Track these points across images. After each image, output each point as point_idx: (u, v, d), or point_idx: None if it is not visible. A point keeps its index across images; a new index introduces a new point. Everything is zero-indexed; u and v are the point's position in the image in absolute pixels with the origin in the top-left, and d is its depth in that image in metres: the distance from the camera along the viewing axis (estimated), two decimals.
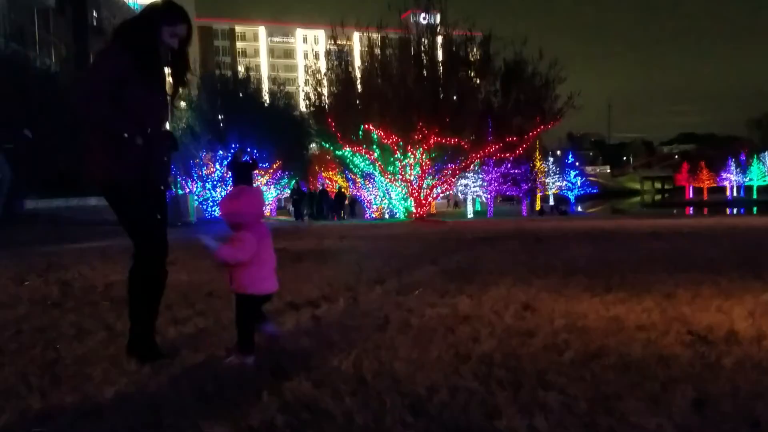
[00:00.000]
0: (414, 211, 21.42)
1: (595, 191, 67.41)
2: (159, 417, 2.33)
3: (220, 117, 26.77)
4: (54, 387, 2.69)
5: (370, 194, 27.52)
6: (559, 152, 64.15)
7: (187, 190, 26.44)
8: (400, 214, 22.99)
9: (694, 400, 2.42)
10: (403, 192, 21.84)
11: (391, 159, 21.07)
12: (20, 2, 28.20)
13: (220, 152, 25.22)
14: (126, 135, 2.92)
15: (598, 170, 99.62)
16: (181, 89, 3.38)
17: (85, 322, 3.96)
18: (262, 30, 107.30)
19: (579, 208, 52.37)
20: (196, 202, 23.40)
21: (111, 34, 3.15)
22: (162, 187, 3.20)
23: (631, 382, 2.64)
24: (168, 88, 3.26)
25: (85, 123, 3.02)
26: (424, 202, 21.64)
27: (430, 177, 21.54)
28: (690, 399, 2.43)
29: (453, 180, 23.40)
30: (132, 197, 3.05)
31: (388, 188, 22.87)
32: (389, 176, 21.65)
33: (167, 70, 3.22)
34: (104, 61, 3.04)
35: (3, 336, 3.62)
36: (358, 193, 29.64)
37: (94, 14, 37.40)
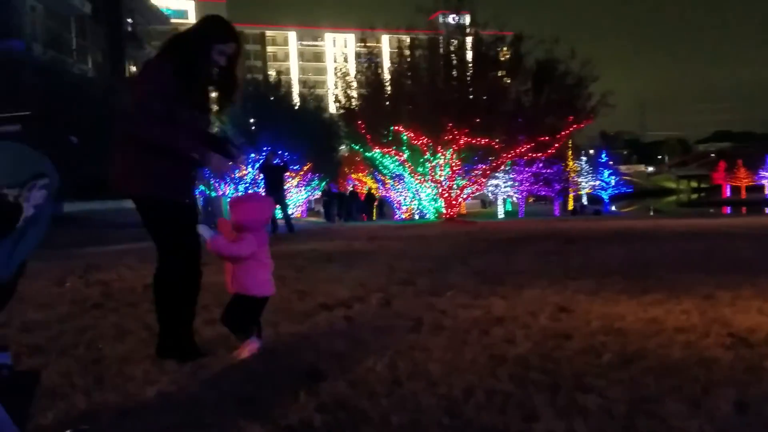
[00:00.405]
0: (444, 211, 21.36)
1: (629, 190, 66.33)
2: (200, 416, 2.38)
3: (251, 120, 27.07)
4: (97, 386, 2.76)
5: (400, 195, 27.52)
6: (592, 151, 63.23)
7: (220, 192, 26.80)
8: (430, 215, 22.94)
9: (735, 403, 2.38)
10: (433, 193, 21.79)
11: (421, 160, 21.03)
12: (57, 11, 28.88)
13: (252, 155, 25.50)
14: (195, 155, 2.99)
15: (632, 169, 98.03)
16: (226, 107, 3.38)
17: (125, 323, 4.05)
18: (292, 34, 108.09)
19: (613, 208, 51.61)
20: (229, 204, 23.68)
21: (160, 47, 3.18)
22: (187, 201, 3.23)
23: (670, 384, 2.61)
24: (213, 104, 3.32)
25: (135, 139, 3.05)
26: (454, 202, 21.56)
27: (460, 177, 21.45)
28: (731, 402, 2.38)
29: (483, 180, 23.26)
30: (162, 211, 3.11)
31: (418, 189, 22.84)
32: (419, 177, 21.61)
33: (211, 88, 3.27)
34: (155, 76, 3.03)
35: (46, 336, 3.72)
36: (387, 194, 29.67)
37: (129, 21, 38.12)
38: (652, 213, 39.34)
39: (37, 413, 2.36)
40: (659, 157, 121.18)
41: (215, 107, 3.34)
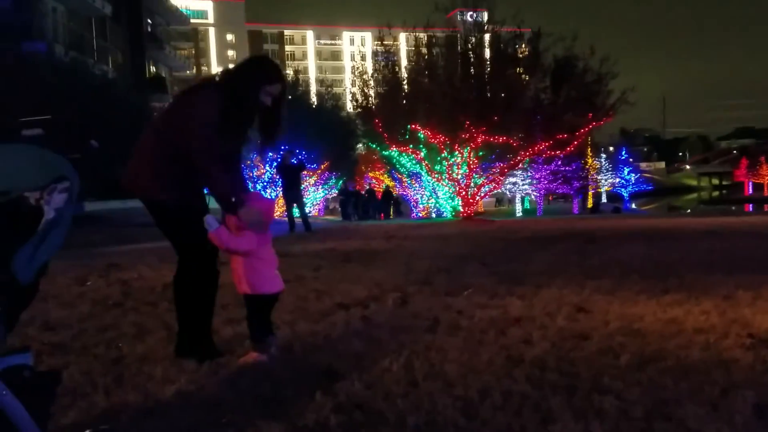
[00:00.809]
0: (461, 210, 21.30)
1: (650, 188, 65.62)
2: (218, 415, 2.40)
3: None
4: (117, 385, 2.80)
5: (417, 193, 27.49)
6: (612, 148, 62.61)
7: None
8: (447, 214, 22.89)
9: (755, 405, 2.35)
10: (450, 191, 21.74)
11: (438, 158, 20.99)
12: (78, 12, 29.26)
13: (270, 154, 25.62)
14: (233, 199, 3.04)
15: (652, 166, 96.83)
16: (269, 146, 3.43)
17: (145, 322, 4.10)
18: (309, 33, 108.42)
19: (633, 206, 51.08)
20: None
21: (211, 79, 3.24)
22: (200, 203, 3.28)
23: (689, 386, 2.58)
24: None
25: (152, 143, 3.14)
26: (471, 201, 21.50)
27: (478, 176, 21.38)
28: (751, 404, 2.36)
29: (501, 178, 23.16)
30: (176, 213, 3.15)
31: (435, 187, 22.80)
32: (436, 175, 21.57)
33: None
34: (210, 111, 3.04)
35: (68, 335, 3.78)
36: (404, 193, 29.65)
37: (149, 21, 38.51)
38: (671, 211, 38.85)
39: (57, 412, 2.41)
40: (680, 154, 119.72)
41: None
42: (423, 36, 23.12)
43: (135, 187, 3.16)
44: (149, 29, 38.38)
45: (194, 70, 65.37)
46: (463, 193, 21.11)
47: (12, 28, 15.12)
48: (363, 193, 30.36)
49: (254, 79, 3.11)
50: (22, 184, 1.65)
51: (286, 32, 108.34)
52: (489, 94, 20.65)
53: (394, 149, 21.72)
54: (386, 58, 24.67)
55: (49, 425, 1.82)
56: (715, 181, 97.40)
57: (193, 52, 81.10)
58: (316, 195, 30.86)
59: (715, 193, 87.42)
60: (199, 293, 3.24)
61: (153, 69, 39.04)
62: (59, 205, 1.60)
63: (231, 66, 3.40)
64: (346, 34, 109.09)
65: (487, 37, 21.91)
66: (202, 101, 3.09)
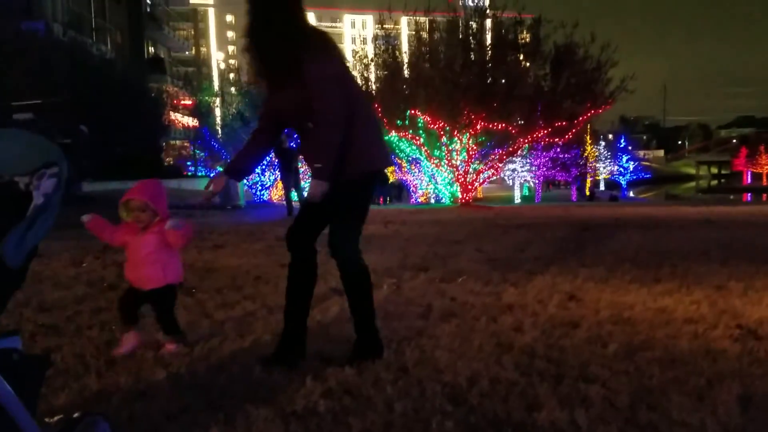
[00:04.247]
0: (460, 196, 21.30)
1: (648, 176, 65.65)
2: (208, 399, 2.43)
3: None
4: (109, 368, 2.82)
5: (416, 179, 27.47)
6: (611, 136, 62.50)
7: None
8: (446, 199, 22.90)
9: (739, 396, 2.38)
10: (449, 177, 21.73)
11: (438, 144, 20.95)
12: None
13: None
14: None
15: (651, 154, 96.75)
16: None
17: None
18: (310, 15, 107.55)
19: (631, 194, 51.12)
20: (246, 186, 23.81)
21: (308, 43, 2.77)
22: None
23: (675, 376, 2.61)
24: None
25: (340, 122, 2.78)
26: (470, 187, 21.49)
27: (477, 162, 21.35)
28: (736, 396, 2.39)
29: (500, 165, 23.13)
30: (371, 188, 2.98)
31: (434, 173, 22.78)
32: (435, 161, 21.54)
33: None
34: (334, 69, 2.79)
35: (62, 317, 3.80)
36: (403, 178, 29.62)
37: (148, 1, 38.20)
38: (669, 199, 38.86)
39: (49, 394, 2.43)
40: (679, 142, 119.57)
41: None
42: (424, 20, 22.97)
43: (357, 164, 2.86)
44: (148, 9, 38.09)
45: (193, 51, 64.95)
46: (462, 179, 21.10)
47: (10, 7, 14.99)
48: None
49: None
50: (12, 169, 1.66)
51: None
52: (489, 80, 20.56)
53: (394, 134, 21.66)
54: (387, 42, 24.51)
55: (41, 407, 1.84)
56: (714, 170, 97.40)
57: (193, 32, 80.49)
58: None
59: (714, 182, 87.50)
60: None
61: (152, 49, 38.79)
62: (48, 190, 1.60)
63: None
64: (348, 17, 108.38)
65: (488, 22, 21.76)
66: (325, 69, 2.83)
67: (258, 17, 2.76)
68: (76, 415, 1.77)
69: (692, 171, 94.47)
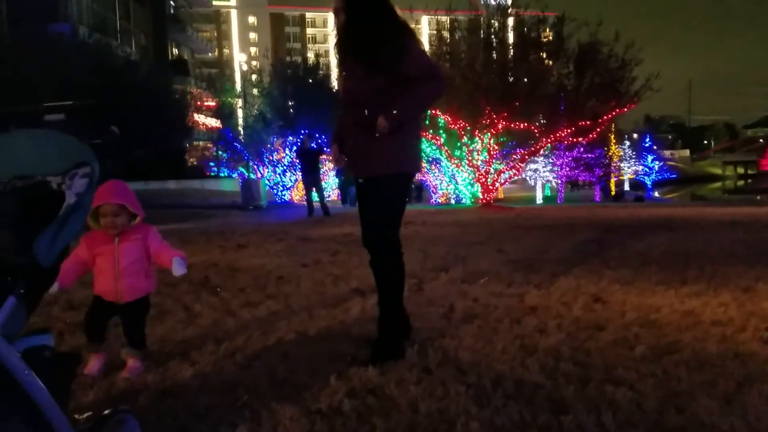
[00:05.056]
0: (480, 196, 21.20)
1: (673, 176, 64.74)
2: (234, 398, 2.45)
3: (290, 103, 27.21)
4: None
5: (436, 179, 27.39)
6: (635, 135, 61.76)
7: (259, 174, 27.11)
8: (466, 200, 22.81)
9: None
10: (470, 177, 21.63)
11: (458, 144, 20.87)
12: None
13: (290, 138, 25.69)
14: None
15: (677, 154, 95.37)
16: None
17: (164, 303, 4.16)
18: (331, 16, 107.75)
19: (656, 194, 50.46)
20: (267, 187, 23.97)
21: (399, 29, 3.10)
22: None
23: (704, 379, 2.57)
24: None
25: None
26: (491, 187, 21.37)
27: (498, 162, 21.23)
28: (766, 399, 2.34)
29: (522, 165, 22.97)
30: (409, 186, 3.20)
31: (455, 173, 22.70)
32: (456, 161, 21.46)
33: None
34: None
35: None
36: (423, 178, 29.55)
37: (171, 3, 38.65)
38: (694, 200, 38.30)
39: (78, 392, 2.47)
40: (705, 142, 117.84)
41: None
42: (445, 19, 22.90)
43: (389, 164, 3.06)
44: (172, 11, 38.54)
45: (216, 53, 65.47)
46: (483, 179, 20.99)
47: (37, 10, 15.27)
48: None
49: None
50: (45, 169, 1.69)
51: (308, 15, 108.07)
52: (511, 80, 20.42)
53: None
54: None
55: (70, 404, 1.87)
56: (741, 170, 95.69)
57: (215, 34, 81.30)
58: (334, 179, 30.86)
59: (740, 183, 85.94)
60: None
61: (175, 51, 39.25)
62: (80, 190, 1.63)
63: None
64: None
65: (510, 21, 21.63)
66: (423, 53, 3.21)
67: (360, 8, 3.01)
68: (106, 412, 1.80)
69: (718, 171, 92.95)
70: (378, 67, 2.95)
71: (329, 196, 26.82)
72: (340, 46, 3.13)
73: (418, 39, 3.11)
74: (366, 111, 2.93)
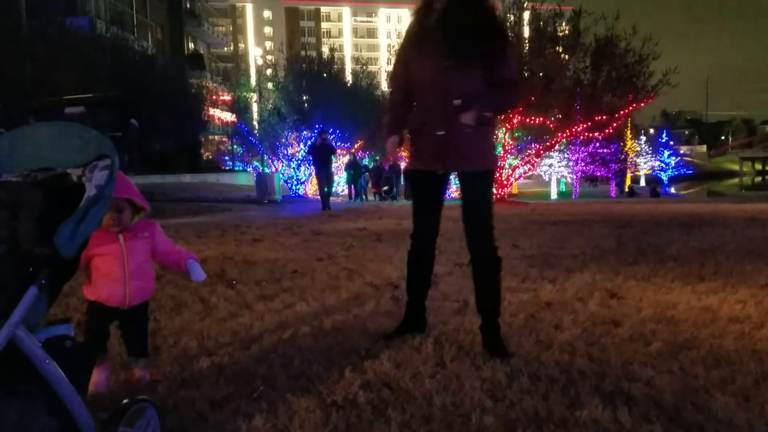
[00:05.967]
0: (495, 191, 21.11)
1: (690, 172, 64.08)
2: (251, 389, 2.47)
3: (305, 98, 27.25)
4: (155, 357, 2.88)
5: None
6: (652, 131, 61.19)
7: (273, 169, 27.20)
8: None
9: None
10: None
11: None
12: None
13: (305, 132, 25.74)
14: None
15: (693, 150, 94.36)
16: None
17: (181, 295, 4.20)
18: (346, 10, 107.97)
19: (673, 190, 49.97)
20: (282, 181, 24.05)
21: (503, 31, 3.24)
22: None
23: (721, 376, 2.55)
24: None
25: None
26: (505, 182, 21.27)
27: (512, 157, 21.11)
28: None
29: (537, 160, 22.83)
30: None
31: None
32: None
33: None
34: None
35: None
36: None
37: None
38: (711, 196, 37.86)
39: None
40: (722, 137, 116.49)
41: None
42: None
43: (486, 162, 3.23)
44: (188, 5, 38.66)
45: (231, 47, 65.66)
46: (497, 174, 20.90)
47: (55, 4, 15.38)
48: (386, 168, 26.04)
49: None
50: (65, 161, 1.71)
51: (323, 9, 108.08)
52: (527, 74, 20.29)
53: None
54: None
55: (88, 395, 1.90)
56: (759, 167, 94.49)
57: (231, 28, 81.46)
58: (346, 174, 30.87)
59: (758, 179, 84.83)
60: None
61: (191, 45, 39.39)
62: (100, 182, 1.65)
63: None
64: (383, 11, 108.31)
65: (526, 15, 21.47)
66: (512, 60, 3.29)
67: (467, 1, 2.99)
68: (125, 401, 1.82)
69: (735, 167, 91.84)
70: (479, 60, 2.95)
71: (343, 190, 26.79)
72: (425, 30, 3.03)
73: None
74: (459, 102, 2.93)
